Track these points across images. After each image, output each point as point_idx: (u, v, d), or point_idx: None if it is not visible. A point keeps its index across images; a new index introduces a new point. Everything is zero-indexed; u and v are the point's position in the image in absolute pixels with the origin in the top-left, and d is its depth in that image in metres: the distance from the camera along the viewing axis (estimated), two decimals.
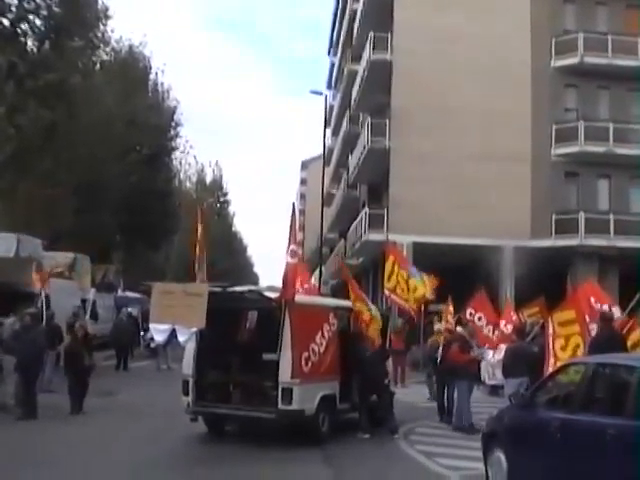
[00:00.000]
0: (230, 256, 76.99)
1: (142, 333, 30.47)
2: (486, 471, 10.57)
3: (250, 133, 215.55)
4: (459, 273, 32.25)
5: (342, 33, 56.15)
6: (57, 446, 13.22)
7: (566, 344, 14.30)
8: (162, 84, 45.35)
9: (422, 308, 21.50)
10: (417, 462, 12.91)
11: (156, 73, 44.86)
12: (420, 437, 15.14)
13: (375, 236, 35.11)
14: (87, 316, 28.10)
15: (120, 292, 37.66)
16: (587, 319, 14.73)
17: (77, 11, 27.96)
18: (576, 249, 34.13)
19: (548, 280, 26.60)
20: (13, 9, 27.17)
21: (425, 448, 13.82)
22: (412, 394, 20.73)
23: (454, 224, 33.28)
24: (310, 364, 13.79)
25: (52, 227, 34.14)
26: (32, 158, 29.26)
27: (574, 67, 36.00)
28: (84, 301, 27.94)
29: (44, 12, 27.75)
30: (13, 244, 21.88)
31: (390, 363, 17.20)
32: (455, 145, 34.75)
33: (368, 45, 38.24)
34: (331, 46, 72.28)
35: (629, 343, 14.06)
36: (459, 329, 17.74)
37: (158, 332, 15.10)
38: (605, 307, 15.53)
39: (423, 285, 18.43)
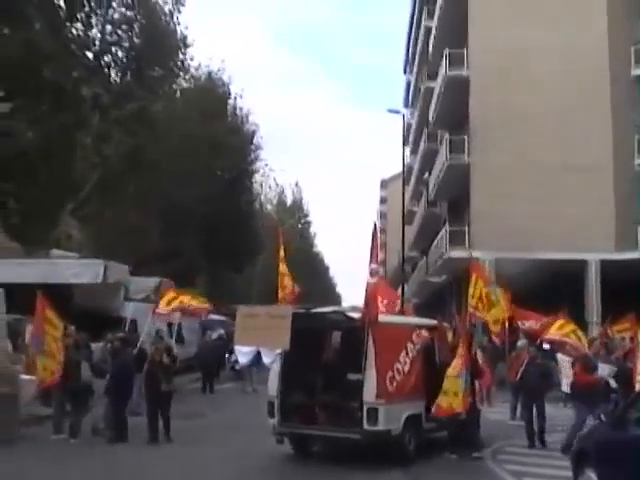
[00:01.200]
0: (312, 277, 77.33)
1: (227, 355, 30.71)
2: None
3: (329, 152, 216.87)
4: (543, 288, 31.81)
5: (417, 51, 56.14)
6: (147, 469, 13.43)
7: None
8: (241, 108, 46.08)
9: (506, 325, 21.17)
10: None
11: (235, 98, 45.62)
12: (509, 456, 14.92)
13: (456, 253, 34.86)
14: (173, 339, 28.60)
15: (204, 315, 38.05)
16: None
17: (157, 41, 28.70)
18: None
19: (636, 293, 25.98)
20: (97, 42, 28.06)
21: (514, 467, 13.61)
22: (499, 413, 20.42)
23: (537, 239, 32.85)
24: (395, 384, 13.73)
25: (137, 252, 34.90)
26: (117, 184, 30.04)
27: None
28: (170, 325, 28.36)
29: (126, 44, 28.63)
30: (100, 270, 22.39)
31: (476, 381, 16.91)
32: (535, 158, 34.36)
33: (444, 62, 38.20)
34: (406, 64, 72.38)
35: None
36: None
37: (242, 354, 15.33)
38: None
39: (499, 304, 18.17)
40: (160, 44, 28.93)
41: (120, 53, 28.93)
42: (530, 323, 19.98)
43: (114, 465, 13.62)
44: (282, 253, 16.23)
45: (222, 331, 31.71)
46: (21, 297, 17.34)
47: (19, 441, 14.92)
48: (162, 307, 18.78)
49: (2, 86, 26.61)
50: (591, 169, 33.69)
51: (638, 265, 32.73)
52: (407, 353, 14.26)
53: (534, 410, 16.18)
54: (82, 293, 21.85)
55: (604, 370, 15.99)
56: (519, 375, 16.84)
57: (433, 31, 44.24)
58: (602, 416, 10.60)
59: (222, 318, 36.64)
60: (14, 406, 15.55)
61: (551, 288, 34.14)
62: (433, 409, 14.11)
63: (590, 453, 10.31)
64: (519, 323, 20.17)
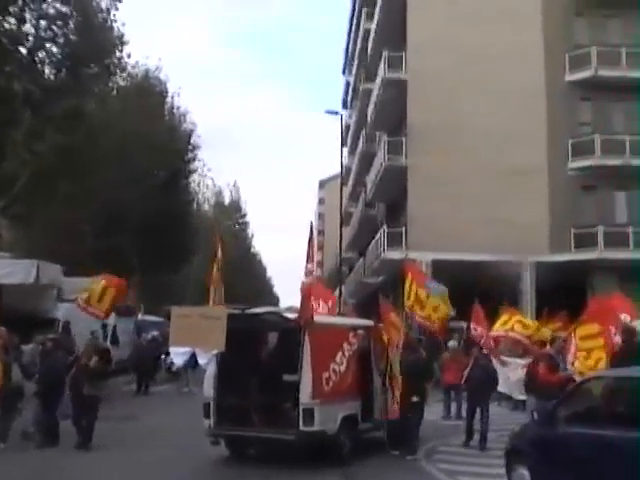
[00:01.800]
0: (249, 277, 77.04)
1: (163, 357, 30.42)
2: None
3: (268, 152, 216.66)
4: (479, 289, 32.00)
5: (356, 52, 56.35)
6: (76, 474, 13.20)
7: (588, 357, 14.22)
8: (179, 108, 45.65)
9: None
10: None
11: (172, 97, 45.17)
12: (443, 456, 15.02)
13: (394, 254, 35.02)
14: (108, 341, 28.20)
15: (140, 316, 37.66)
16: (613, 331, 14.64)
17: (93, 38, 28.24)
18: (595, 263, 33.91)
19: (568, 294, 26.46)
20: (30, 38, 27.50)
21: (448, 467, 13.71)
22: (434, 412, 20.55)
23: (473, 240, 33.17)
24: (331, 384, 13.73)
25: (71, 252, 34.31)
26: (49, 183, 29.48)
27: (588, 81, 35.92)
28: (105, 326, 27.95)
29: (61, 40, 28.08)
30: (32, 270, 21.88)
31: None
32: (472, 161, 34.72)
33: (382, 64, 38.36)
34: (345, 65, 72.61)
35: None
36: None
37: (177, 355, 15.17)
38: (628, 319, 15.44)
39: (444, 302, 18.23)
40: (96, 41, 28.41)
41: (55, 49, 28.35)
42: (480, 329, 20.02)
43: (43, 470, 13.33)
44: (219, 255, 16.11)
45: (157, 332, 31.40)
46: None
47: None
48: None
49: None
50: (526, 172, 34.16)
51: (571, 267, 33.35)
52: (343, 354, 14.26)
53: (478, 412, 16.26)
54: (13, 294, 21.33)
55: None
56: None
57: (372, 33, 44.40)
58: (534, 414, 10.75)
59: (157, 319, 36.30)
60: None
61: (487, 289, 34.54)
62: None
63: (523, 451, 10.44)
64: (472, 328, 20.21)
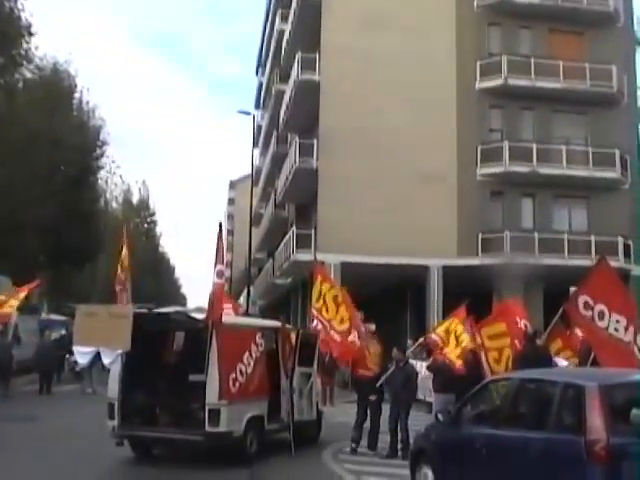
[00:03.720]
0: (157, 277, 76.23)
1: (67, 356, 29.78)
2: None
3: (178, 153, 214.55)
4: (388, 292, 32.39)
5: (270, 53, 56.26)
6: None
7: (500, 357, 14.52)
8: (87, 103, 44.84)
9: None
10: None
11: (81, 91, 44.34)
12: (349, 456, 15.09)
13: (303, 256, 35.01)
14: (9, 339, 27.49)
15: (44, 315, 36.87)
16: (515, 334, 15.04)
17: None
18: (502, 267, 34.62)
19: (475, 298, 26.87)
20: None
21: (354, 467, 13.78)
22: (341, 414, 20.63)
23: (382, 244, 33.43)
24: (238, 385, 13.65)
25: None
26: None
27: (498, 89, 36.70)
28: (5, 324, 27.25)
29: None
30: None
31: (318, 382, 17.06)
32: (382, 165, 34.97)
33: (296, 66, 38.35)
34: (259, 65, 72.44)
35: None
36: None
37: (82, 355, 14.80)
38: (524, 323, 15.78)
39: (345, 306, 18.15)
40: (1, 30, 27.70)
41: None
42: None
43: None
44: (124, 252, 15.86)
45: (63, 331, 30.77)
46: None
47: None
48: None
49: None
50: (436, 177, 34.62)
51: (478, 271, 33.99)
52: (250, 354, 14.20)
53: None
54: None
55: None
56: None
57: (286, 34, 44.37)
58: (439, 415, 10.87)
59: (62, 318, 35.59)
60: None
61: (396, 292, 35.03)
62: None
63: (427, 451, 10.57)
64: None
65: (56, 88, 41.56)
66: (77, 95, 44.12)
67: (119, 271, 15.91)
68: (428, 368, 16.57)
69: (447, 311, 29.85)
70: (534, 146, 36.35)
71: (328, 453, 15.33)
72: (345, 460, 14.60)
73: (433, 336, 16.44)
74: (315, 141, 37.16)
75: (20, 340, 28.95)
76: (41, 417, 19.86)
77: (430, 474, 10.13)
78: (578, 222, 37.26)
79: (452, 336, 15.43)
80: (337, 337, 16.96)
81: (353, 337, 16.30)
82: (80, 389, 27.13)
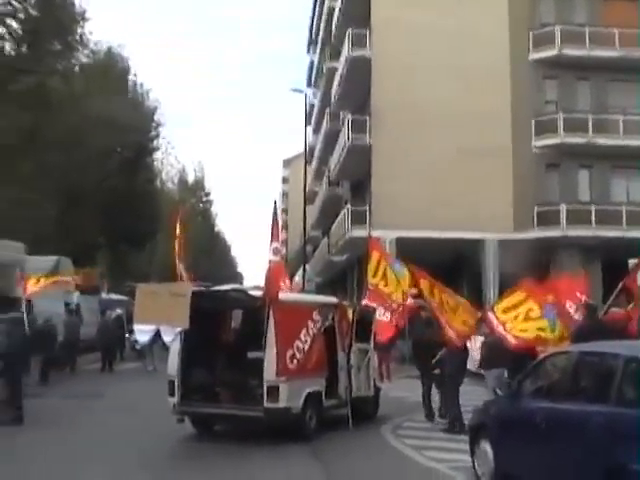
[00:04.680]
0: (213, 257, 76.89)
1: (127, 335, 30.31)
2: (473, 462, 10.60)
3: (231, 131, 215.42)
4: (443, 267, 32.09)
5: (321, 30, 56.10)
6: (42, 449, 13.11)
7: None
8: (142, 85, 45.33)
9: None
10: (405, 455, 12.95)
11: (135, 74, 44.82)
12: (409, 431, 15.14)
13: (358, 232, 35.07)
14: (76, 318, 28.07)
15: (104, 294, 37.50)
16: (573, 308, 14.84)
17: (54, 14, 27.87)
18: (559, 240, 34.27)
19: (532, 272, 26.67)
20: None
21: (414, 442, 13.82)
22: (399, 389, 20.67)
23: (437, 219, 33.32)
24: (295, 361, 13.75)
25: (34, 230, 33.99)
26: (11, 162, 29.14)
27: (552, 59, 36.20)
28: (68, 304, 27.81)
29: (21, 16, 27.68)
30: None
31: (375, 358, 17.09)
32: (436, 139, 34.80)
33: (347, 42, 38.23)
34: (310, 44, 72.26)
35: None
36: None
37: (142, 333, 15.12)
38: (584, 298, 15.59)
39: (404, 280, 18.28)
40: (57, 17, 28.05)
41: (15, 25, 27.97)
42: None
43: (7, 448, 13.23)
44: (180, 231, 16.06)
45: (120, 311, 31.29)
46: None
47: None
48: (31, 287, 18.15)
49: None
50: (491, 151, 34.32)
51: (535, 245, 33.67)
52: (308, 331, 14.27)
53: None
54: None
55: None
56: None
57: (336, 11, 44.22)
58: (498, 390, 10.86)
59: (122, 298, 36.17)
60: None
61: (451, 268, 34.83)
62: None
63: (486, 426, 10.56)
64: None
65: (111, 71, 42.07)
66: (131, 77, 44.63)
67: (176, 250, 16.12)
68: (483, 344, 16.50)
69: (504, 286, 29.75)
70: (590, 117, 35.83)
71: (387, 428, 15.40)
72: (404, 435, 14.65)
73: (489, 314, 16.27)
74: (368, 117, 37.09)
75: (82, 319, 29.54)
76: (105, 394, 20.32)
77: (489, 449, 10.12)
78: (636, 193, 36.61)
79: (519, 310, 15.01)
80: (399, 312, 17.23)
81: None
82: (141, 367, 27.59)
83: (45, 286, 18.27)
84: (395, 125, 35.27)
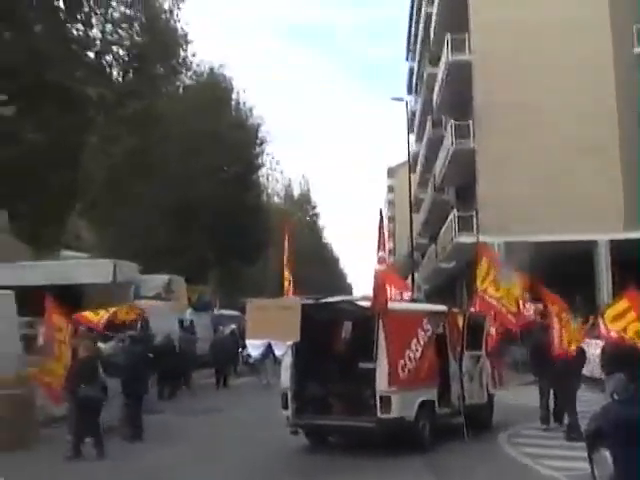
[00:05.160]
0: (322, 269, 77.35)
1: (241, 350, 30.77)
2: (592, 470, 10.37)
3: (334, 144, 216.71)
4: (553, 271, 31.50)
5: (419, 37, 56.01)
6: (162, 464, 13.47)
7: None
8: (245, 103, 46.09)
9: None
10: (522, 464, 12.76)
11: (238, 92, 45.62)
12: (525, 439, 14.91)
13: (465, 238, 34.79)
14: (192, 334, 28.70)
15: (216, 310, 38.17)
16: None
17: (158, 39, 28.65)
18: None
19: None
20: (97, 42, 28.07)
21: (530, 450, 13.61)
22: (513, 396, 20.35)
23: (545, 221, 32.82)
24: (407, 371, 13.73)
25: (147, 250, 35.03)
26: (123, 184, 30.08)
27: None
28: (182, 321, 28.46)
29: (127, 42, 28.55)
30: (110, 269, 22.45)
31: (488, 365, 16.89)
32: (540, 139, 34.29)
33: (446, 47, 38.09)
34: (409, 51, 72.19)
35: None
36: None
37: (254, 347, 15.34)
38: None
39: (515, 286, 18.11)
40: (161, 42, 28.85)
41: (121, 52, 28.87)
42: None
43: (128, 463, 13.64)
44: (287, 246, 16.28)
45: (234, 326, 31.78)
46: (32, 299, 17.39)
47: (36, 443, 14.95)
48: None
49: (5, 90, 26.65)
50: (597, 149, 33.58)
51: None
52: (418, 340, 14.24)
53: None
54: (93, 293, 21.90)
55: None
56: None
57: (434, 17, 44.11)
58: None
59: (234, 313, 36.73)
60: (30, 408, 15.63)
61: (561, 270, 34.06)
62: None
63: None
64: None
65: (214, 91, 42.94)
66: (234, 96, 45.43)
67: (285, 264, 16.33)
68: (603, 349, 16.10)
69: (617, 288, 28.98)
70: None
71: (503, 436, 15.22)
72: (520, 443, 14.44)
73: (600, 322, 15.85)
74: (471, 121, 36.81)
75: (196, 336, 30.14)
76: (221, 409, 20.71)
77: (608, 456, 9.87)
78: None
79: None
80: (512, 318, 17.05)
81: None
82: (255, 381, 27.96)
83: (108, 318, 18.24)
84: (499, 127, 34.93)
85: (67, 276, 22.01)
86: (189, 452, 14.45)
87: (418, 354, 14.08)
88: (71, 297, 19.79)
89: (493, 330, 17.62)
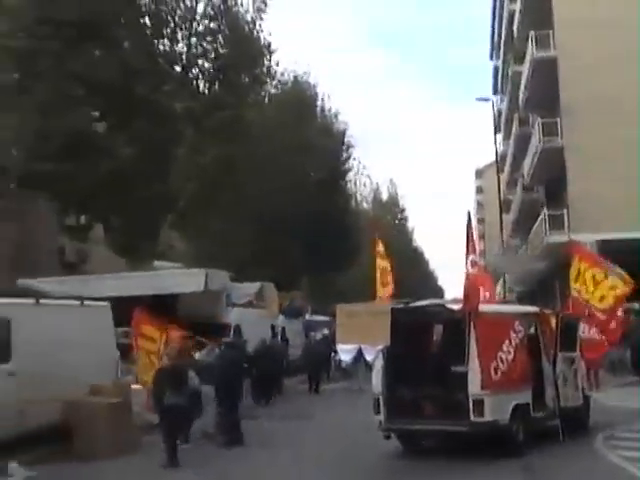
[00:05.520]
0: (413, 272, 76.94)
1: (333, 355, 30.88)
2: None
3: (420, 146, 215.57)
4: None
5: (502, 36, 55.37)
6: (260, 471, 13.64)
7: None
8: (330, 109, 46.31)
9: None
10: (621, 468, 12.47)
11: (322, 99, 45.89)
12: (623, 442, 14.53)
13: (557, 238, 34.19)
14: (280, 341, 28.98)
15: (308, 316, 38.37)
16: None
17: (242, 50, 29.10)
18: None
19: None
20: (183, 56, 28.71)
21: (629, 454, 13.24)
22: (610, 398, 19.90)
23: (637, 218, 31.91)
24: (500, 373, 13.58)
25: (238, 258, 35.52)
26: (214, 194, 30.60)
27: None
28: (273, 327, 28.74)
29: (211, 55, 29.13)
30: (202, 279, 22.83)
31: (583, 366, 16.57)
32: (630, 134, 33.37)
33: (530, 44, 37.56)
34: (492, 50, 71.42)
35: None
36: None
37: (345, 352, 15.40)
38: None
39: (621, 281, 17.64)
40: (245, 52, 29.29)
41: (207, 64, 29.45)
42: None
43: (228, 468, 13.88)
44: (381, 249, 16.32)
45: (326, 331, 31.94)
46: (128, 309, 17.88)
47: (135, 450, 15.30)
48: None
49: (98, 106, 27.50)
50: None
51: None
52: (510, 342, 14.07)
53: None
54: (186, 302, 22.33)
55: None
56: None
57: (517, 14, 43.54)
58: None
59: (326, 319, 36.88)
60: (129, 415, 16.03)
61: None
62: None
63: None
64: None
65: (299, 98, 43.29)
66: (319, 103, 45.71)
67: (377, 268, 16.37)
68: None
69: None
70: None
71: (600, 439, 14.89)
72: (619, 446, 14.08)
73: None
74: (558, 119, 36.20)
75: (288, 342, 30.41)
76: (314, 415, 20.83)
77: None
78: None
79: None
80: (601, 316, 16.70)
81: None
82: (348, 386, 28.02)
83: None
84: (588, 123, 34.27)
85: (161, 286, 22.45)
86: (283, 457, 14.57)
87: (510, 356, 13.90)
88: (165, 306, 20.26)
89: (589, 331, 17.30)
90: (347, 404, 23.24)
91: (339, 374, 31.18)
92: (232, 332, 22.89)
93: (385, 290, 16.13)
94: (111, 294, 20.20)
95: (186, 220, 32.32)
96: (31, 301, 15.73)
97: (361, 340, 14.30)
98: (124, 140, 27.50)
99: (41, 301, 16.01)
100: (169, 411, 14.29)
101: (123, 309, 18.25)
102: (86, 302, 17.51)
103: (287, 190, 38.45)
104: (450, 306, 15.07)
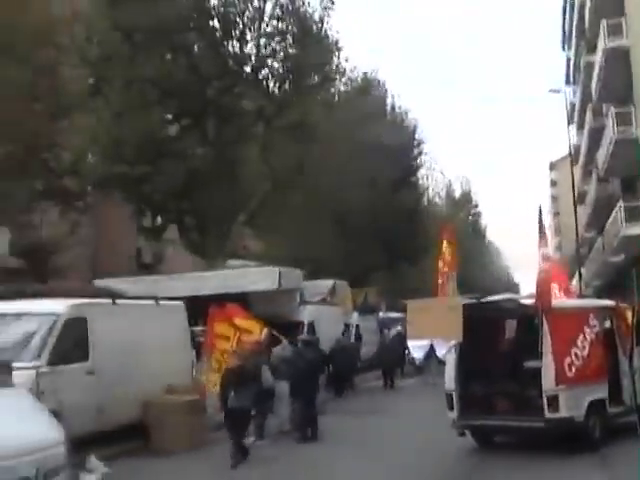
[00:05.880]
0: (487, 268, 76.35)
1: (406, 351, 30.86)
2: None
3: (491, 140, 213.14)
4: None
5: (574, 26, 54.46)
6: (335, 466, 13.74)
7: None
8: (400, 106, 46.22)
9: None
10: None
11: (392, 96, 45.82)
12: None
13: (633, 230, 33.53)
14: (352, 339, 29.12)
15: (382, 313, 38.38)
16: None
17: (310, 49, 29.23)
18: None
19: None
20: (252, 57, 29.00)
21: None
22: None
23: None
24: (574, 369, 13.44)
25: (310, 257, 35.73)
26: (285, 192, 30.84)
27: None
28: (347, 325, 28.86)
29: (280, 55, 29.33)
30: (275, 277, 23.09)
31: None
32: None
33: (602, 33, 36.89)
34: (564, 41, 70.24)
35: None
36: None
37: (416, 348, 15.37)
38: None
39: None
40: (313, 51, 29.41)
41: (275, 64, 29.68)
42: None
43: (304, 463, 14.05)
44: (446, 246, 16.29)
45: (400, 328, 31.91)
46: (204, 308, 18.21)
47: (205, 446, 15.63)
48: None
49: (170, 109, 28.00)
50: None
51: None
52: (585, 337, 13.92)
53: None
54: (259, 300, 22.62)
55: None
56: None
57: (588, 4, 42.78)
58: None
59: (400, 315, 36.84)
60: (203, 414, 16.34)
61: None
62: None
63: None
64: None
65: (369, 96, 43.32)
66: (389, 100, 45.67)
67: (441, 265, 16.32)
68: None
69: None
70: None
71: None
72: None
73: None
74: (633, 108, 35.49)
75: (362, 339, 30.50)
76: (388, 411, 20.91)
77: None
78: None
79: None
80: None
81: None
82: (421, 382, 28.01)
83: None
84: None
85: (235, 284, 22.74)
86: (358, 452, 14.66)
87: (585, 351, 13.76)
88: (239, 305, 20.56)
89: None
90: (422, 400, 23.19)
91: (413, 370, 31.15)
92: (305, 329, 23.15)
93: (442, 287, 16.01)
94: (188, 294, 20.62)
95: (258, 220, 32.62)
96: (108, 301, 16.12)
97: (432, 335, 14.26)
98: (196, 141, 27.97)
99: (117, 301, 16.38)
100: (231, 413, 14.50)
101: (199, 308, 18.60)
102: (161, 302, 17.89)
103: (359, 188, 38.50)
104: (523, 301, 14.97)
